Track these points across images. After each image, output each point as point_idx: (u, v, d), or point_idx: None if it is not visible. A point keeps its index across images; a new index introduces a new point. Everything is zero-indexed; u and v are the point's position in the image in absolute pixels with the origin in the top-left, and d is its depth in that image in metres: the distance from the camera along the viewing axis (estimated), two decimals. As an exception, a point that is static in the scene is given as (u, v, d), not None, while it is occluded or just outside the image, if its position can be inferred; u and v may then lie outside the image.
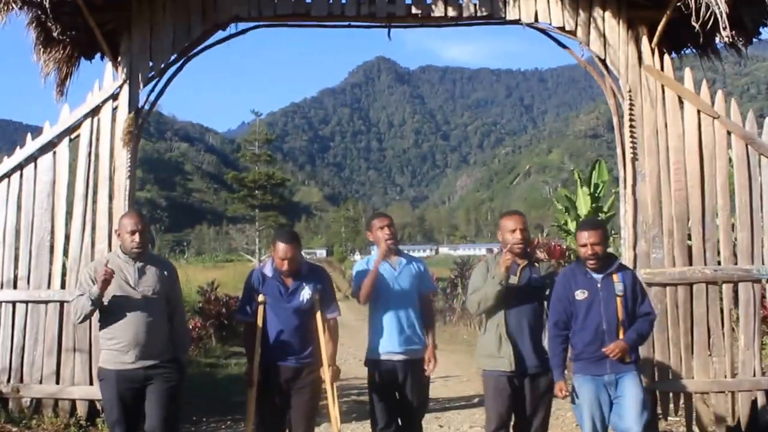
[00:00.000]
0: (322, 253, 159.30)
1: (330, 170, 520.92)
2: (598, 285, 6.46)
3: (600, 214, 19.77)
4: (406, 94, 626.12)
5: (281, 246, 6.72)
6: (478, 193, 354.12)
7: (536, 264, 7.04)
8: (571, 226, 20.53)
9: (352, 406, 10.81)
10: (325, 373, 6.84)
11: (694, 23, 8.13)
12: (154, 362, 6.58)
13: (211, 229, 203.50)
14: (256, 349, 6.78)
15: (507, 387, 6.68)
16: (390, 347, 6.96)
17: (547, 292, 6.79)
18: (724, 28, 8.00)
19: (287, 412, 6.78)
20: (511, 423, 6.85)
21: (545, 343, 6.70)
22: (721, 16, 7.92)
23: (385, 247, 7.11)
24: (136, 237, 6.67)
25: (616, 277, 6.47)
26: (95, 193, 9.46)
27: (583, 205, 20.55)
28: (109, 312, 6.56)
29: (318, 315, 6.90)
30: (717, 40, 8.64)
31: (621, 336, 6.35)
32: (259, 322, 6.82)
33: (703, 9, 8.05)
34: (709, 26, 8.15)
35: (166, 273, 6.89)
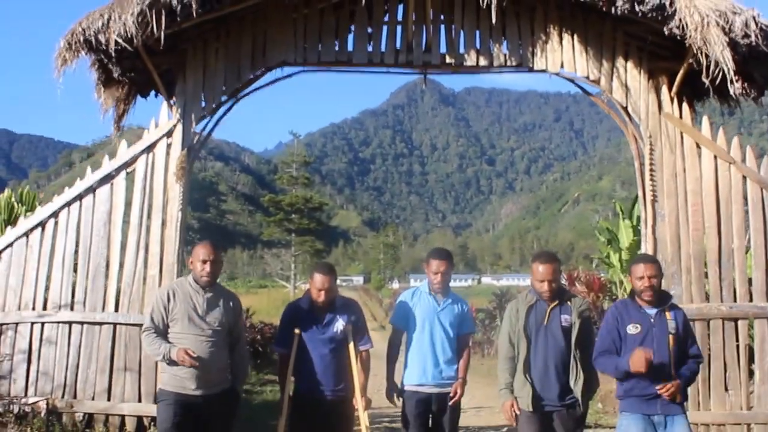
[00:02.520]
0: (359, 280, 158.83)
1: (370, 194, 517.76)
2: (652, 320, 6.54)
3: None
4: (451, 117, 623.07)
5: (319, 277, 7.19)
6: (524, 220, 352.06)
7: (569, 302, 7.12)
8: (614, 258, 20.84)
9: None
10: (358, 402, 7.25)
11: (704, 79, 9.09)
12: (213, 391, 6.98)
13: (244, 252, 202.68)
14: (287, 379, 7.27)
15: (536, 422, 6.90)
16: (424, 379, 7.38)
17: (577, 332, 6.95)
18: (732, 83, 8.92)
19: None
20: None
21: (571, 382, 6.88)
22: (729, 73, 8.80)
23: (433, 288, 7.59)
24: (207, 267, 7.03)
25: (668, 315, 6.55)
26: (149, 222, 10.49)
27: (625, 238, 20.63)
28: (175, 340, 6.95)
29: (351, 346, 7.32)
30: (731, 90, 9.36)
31: (672, 374, 6.40)
32: (293, 353, 7.25)
33: (712, 65, 8.93)
34: (719, 80, 9.03)
35: (231, 305, 7.27)
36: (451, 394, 7.41)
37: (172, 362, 6.90)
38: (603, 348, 6.69)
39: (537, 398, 6.89)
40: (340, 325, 7.31)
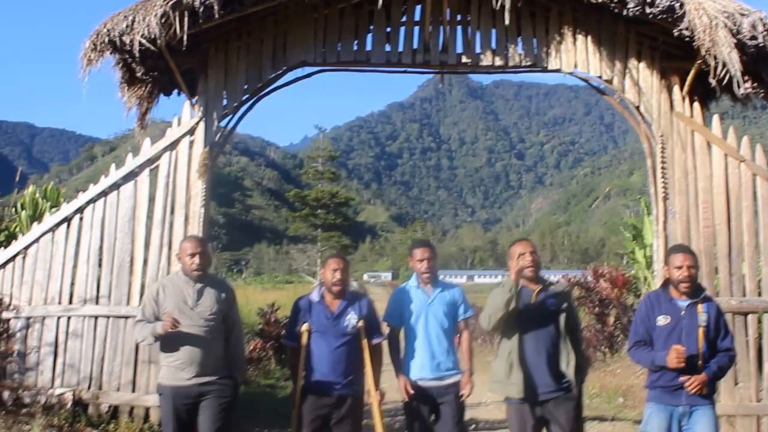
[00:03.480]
0: (387, 276, 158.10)
1: (397, 189, 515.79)
2: (682, 312, 6.59)
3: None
4: (479, 110, 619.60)
5: (333, 260, 7.53)
6: (554, 216, 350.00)
7: (550, 287, 7.26)
8: (638, 254, 21.04)
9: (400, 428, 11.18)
10: (372, 396, 7.42)
11: (711, 80, 9.46)
12: (208, 379, 7.17)
13: (270, 248, 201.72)
14: (299, 373, 7.38)
15: (530, 418, 6.95)
16: (422, 373, 7.47)
17: (564, 315, 7.04)
18: (739, 85, 9.23)
19: None
20: None
21: (563, 366, 6.95)
22: (736, 74, 9.13)
23: (421, 278, 7.73)
24: (196, 259, 7.29)
25: (700, 308, 6.58)
26: (172, 219, 10.86)
27: (650, 234, 20.29)
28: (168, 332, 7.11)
29: (364, 342, 7.48)
30: (738, 91, 9.65)
31: (699, 367, 6.47)
32: (303, 347, 7.41)
33: (720, 66, 9.27)
34: (726, 80, 9.37)
35: (223, 294, 7.47)
36: (461, 391, 7.49)
37: (163, 344, 7.20)
38: (637, 339, 6.80)
39: (530, 386, 6.91)
40: (352, 318, 7.45)
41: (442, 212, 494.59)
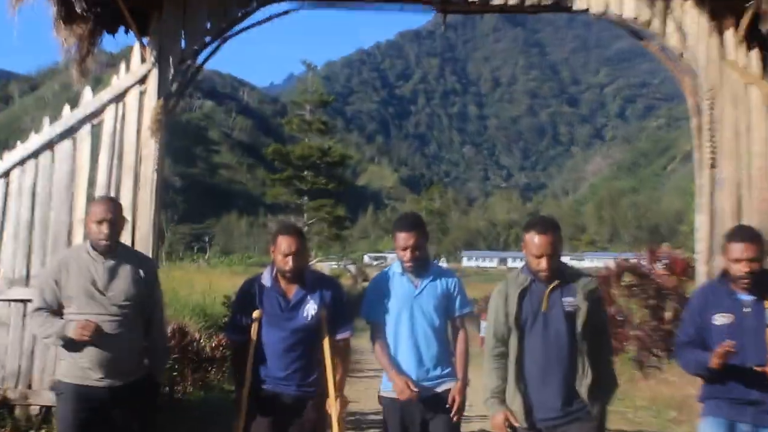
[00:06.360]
0: (394, 256, 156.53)
1: (409, 144, 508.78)
2: (745, 309, 6.63)
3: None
4: (519, 41, 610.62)
5: (284, 240, 7.35)
6: (617, 181, 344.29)
7: (572, 281, 6.97)
8: None
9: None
10: (331, 405, 7.41)
11: (760, 27, 10.16)
12: (122, 382, 7.17)
13: (242, 219, 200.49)
14: (246, 373, 7.40)
15: None
16: None
17: (585, 318, 6.80)
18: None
19: None
20: None
21: (578, 385, 6.77)
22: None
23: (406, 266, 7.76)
24: (104, 228, 7.16)
25: None
26: (119, 185, 11.30)
27: None
28: (71, 319, 7.06)
29: (325, 337, 7.48)
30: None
31: None
32: (252, 339, 7.44)
33: (774, 10, 9.75)
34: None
35: (142, 273, 7.43)
36: (449, 403, 7.50)
37: (70, 345, 7.11)
38: (685, 340, 6.90)
39: (531, 411, 6.86)
40: (311, 308, 7.45)
41: (468, 175, 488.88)
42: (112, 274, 7.26)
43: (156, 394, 7.79)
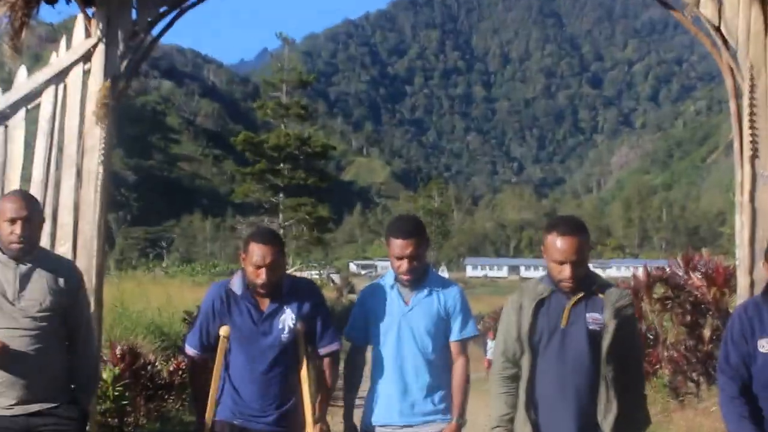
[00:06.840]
0: (386, 265, 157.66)
1: (404, 132, 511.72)
2: None
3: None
4: (533, 10, 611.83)
5: (257, 248, 6.78)
6: (648, 175, 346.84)
7: (600, 294, 6.41)
8: None
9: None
10: None
11: None
12: (40, 407, 6.62)
13: (207, 221, 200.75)
14: (210, 399, 6.93)
15: None
16: (387, 417, 7.01)
17: (612, 340, 6.22)
18: None
19: None
20: None
21: (600, 418, 6.18)
22: None
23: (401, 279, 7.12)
24: (17, 228, 6.61)
25: None
26: (58, 181, 10.58)
27: None
28: None
29: (302, 353, 7.00)
30: None
31: None
32: (218, 361, 6.95)
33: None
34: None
35: (62, 281, 6.87)
36: None
37: None
38: (732, 373, 6.12)
39: None
40: (288, 320, 6.90)
41: (473, 168, 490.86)
42: (25, 281, 6.71)
43: (83, 422, 7.02)
